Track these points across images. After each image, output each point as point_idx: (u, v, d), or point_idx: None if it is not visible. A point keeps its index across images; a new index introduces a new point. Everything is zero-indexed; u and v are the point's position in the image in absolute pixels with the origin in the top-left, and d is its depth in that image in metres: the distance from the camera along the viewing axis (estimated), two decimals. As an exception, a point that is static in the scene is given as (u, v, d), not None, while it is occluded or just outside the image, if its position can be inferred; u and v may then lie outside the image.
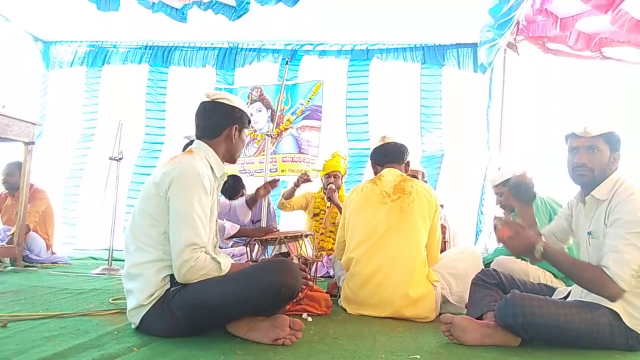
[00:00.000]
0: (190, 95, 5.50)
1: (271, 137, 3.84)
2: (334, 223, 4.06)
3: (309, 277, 2.20)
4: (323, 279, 3.61)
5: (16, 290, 2.66)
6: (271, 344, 1.69)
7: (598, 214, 1.88)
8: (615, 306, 1.77)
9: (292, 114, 5.25)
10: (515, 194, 2.12)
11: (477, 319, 1.97)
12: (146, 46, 5.99)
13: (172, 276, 1.72)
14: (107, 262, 3.75)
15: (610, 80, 4.73)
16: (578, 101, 4.90)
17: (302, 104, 5.21)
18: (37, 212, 4.13)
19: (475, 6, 4.32)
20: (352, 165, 5.35)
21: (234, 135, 1.94)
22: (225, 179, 2.04)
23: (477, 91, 5.45)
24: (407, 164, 2.77)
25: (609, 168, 1.90)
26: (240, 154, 2.04)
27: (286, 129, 5.23)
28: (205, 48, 5.95)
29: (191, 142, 2.05)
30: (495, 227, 1.91)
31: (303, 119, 5.20)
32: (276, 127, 4.81)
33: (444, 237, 3.80)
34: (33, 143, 3.79)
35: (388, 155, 2.70)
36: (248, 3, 4.17)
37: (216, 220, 1.94)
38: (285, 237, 2.60)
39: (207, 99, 1.94)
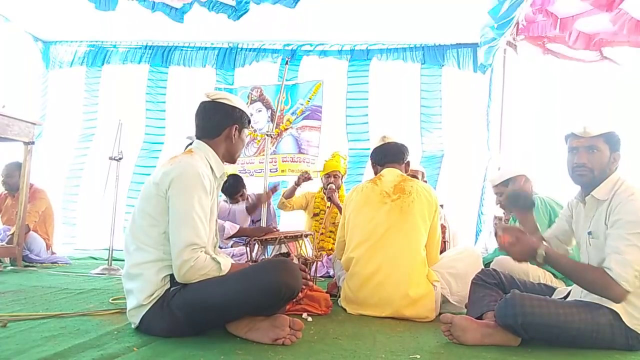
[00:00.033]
0: (190, 95, 5.50)
1: (271, 137, 3.83)
2: (334, 223, 4.06)
3: (309, 277, 2.20)
4: (323, 279, 3.61)
5: (16, 290, 2.66)
6: (271, 343, 1.69)
7: (598, 214, 1.88)
8: (616, 306, 1.77)
9: (292, 114, 5.25)
10: (514, 205, 2.12)
11: (477, 318, 1.97)
12: (146, 46, 5.99)
13: (172, 276, 1.72)
14: (107, 262, 3.75)
15: (610, 80, 4.73)
16: (578, 101, 4.89)
17: (302, 104, 5.21)
18: (37, 212, 4.13)
19: (475, 6, 4.32)
20: (352, 165, 5.35)
21: (234, 135, 1.94)
22: (225, 178, 2.04)
23: (477, 91, 5.45)
24: (408, 164, 2.78)
25: (609, 168, 1.90)
26: (240, 154, 2.04)
27: (286, 129, 5.23)
28: (205, 48, 5.94)
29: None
30: (495, 234, 1.91)
31: (303, 119, 5.20)
32: (276, 127, 4.81)
33: (444, 237, 3.80)
34: (33, 143, 3.79)
35: (388, 155, 2.70)
36: (248, 3, 4.17)
37: (216, 220, 1.94)
38: (285, 237, 2.60)
39: (207, 99, 1.94)
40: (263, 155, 4.27)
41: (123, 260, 1.86)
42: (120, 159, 3.85)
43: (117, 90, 6.03)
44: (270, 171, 5.05)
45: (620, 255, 1.72)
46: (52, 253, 4.28)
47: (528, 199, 2.08)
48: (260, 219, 3.78)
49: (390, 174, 2.61)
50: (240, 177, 4.28)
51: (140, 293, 1.71)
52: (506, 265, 2.61)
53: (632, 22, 3.69)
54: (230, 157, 1.99)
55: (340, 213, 3.31)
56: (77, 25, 5.56)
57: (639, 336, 1.78)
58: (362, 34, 5.47)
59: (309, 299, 2.33)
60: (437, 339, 1.93)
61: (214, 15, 4.25)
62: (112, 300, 2.41)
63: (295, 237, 2.63)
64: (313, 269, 2.73)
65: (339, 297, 2.61)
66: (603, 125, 1.91)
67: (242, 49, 5.90)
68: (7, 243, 3.76)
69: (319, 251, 3.63)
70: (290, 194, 4.35)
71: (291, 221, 4.90)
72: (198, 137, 1.95)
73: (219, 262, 1.72)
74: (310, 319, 2.19)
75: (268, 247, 2.68)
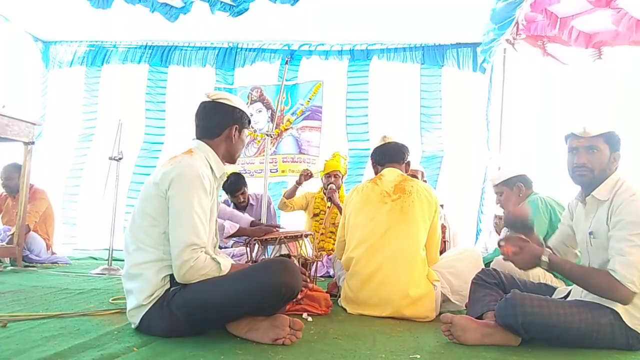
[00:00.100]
0: (190, 95, 5.50)
1: (271, 136, 3.83)
2: (334, 223, 4.05)
3: (309, 280, 2.20)
4: (323, 279, 3.60)
5: (16, 290, 2.66)
6: (271, 343, 1.69)
7: (599, 214, 1.88)
8: (616, 306, 1.77)
9: (292, 114, 5.26)
10: (514, 230, 2.12)
11: (477, 318, 1.97)
12: (146, 46, 5.99)
13: (172, 276, 1.72)
14: (107, 262, 3.75)
15: (610, 80, 4.73)
16: (578, 101, 4.89)
17: (302, 105, 5.21)
18: (38, 212, 4.13)
19: (475, 6, 4.32)
20: (352, 165, 5.35)
21: (234, 135, 1.94)
22: (225, 178, 2.04)
23: (477, 91, 5.45)
24: (408, 163, 2.78)
25: (609, 168, 1.90)
26: (240, 154, 2.04)
27: (286, 130, 5.24)
28: (205, 48, 5.94)
29: None
30: (499, 245, 1.92)
31: (303, 119, 5.21)
32: (276, 128, 4.81)
33: (443, 237, 3.80)
34: (33, 143, 3.79)
35: (388, 155, 2.71)
36: (248, 1, 4.15)
37: (216, 220, 1.94)
38: (285, 237, 2.60)
39: (207, 99, 1.94)
40: (263, 155, 4.27)
41: (123, 261, 1.86)
42: (120, 159, 3.85)
43: (116, 90, 6.03)
44: (271, 171, 5.06)
45: (624, 257, 1.72)
46: (52, 253, 4.27)
47: (526, 222, 2.08)
48: (260, 219, 3.78)
49: (391, 173, 2.61)
50: (242, 176, 4.28)
51: (140, 293, 1.71)
52: (506, 265, 2.60)
53: (632, 21, 3.70)
54: (230, 158, 1.99)
55: (341, 213, 3.31)
56: (77, 25, 5.56)
57: (639, 336, 1.78)
58: (362, 34, 5.46)
59: (309, 298, 2.33)
60: (437, 339, 1.93)
61: (214, 12, 4.22)
62: (112, 300, 2.41)
63: (296, 237, 2.63)
64: (313, 269, 2.73)
65: (339, 297, 2.61)
66: (603, 125, 1.91)
67: (242, 48, 5.90)
68: (7, 243, 3.75)
69: (319, 251, 3.62)
70: (291, 194, 4.35)
71: (291, 221, 4.90)
72: (198, 137, 1.95)
73: (218, 262, 1.71)
74: (310, 318, 2.19)
75: (268, 247, 2.68)
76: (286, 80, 4.93)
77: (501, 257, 2.79)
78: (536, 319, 1.75)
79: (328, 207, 4.08)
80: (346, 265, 2.55)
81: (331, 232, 4.08)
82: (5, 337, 1.64)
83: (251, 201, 4.28)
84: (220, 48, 5.92)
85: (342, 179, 4.23)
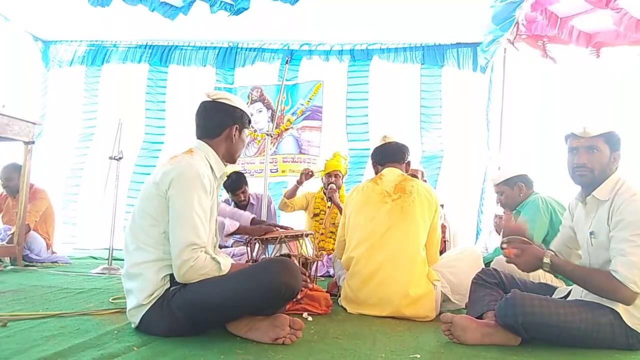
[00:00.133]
0: (190, 95, 5.50)
1: (271, 136, 3.83)
2: (334, 223, 4.05)
3: (309, 279, 2.20)
4: (323, 278, 3.60)
5: (16, 289, 2.66)
6: (271, 343, 1.69)
7: (600, 214, 1.88)
8: (616, 305, 1.77)
9: (293, 114, 5.26)
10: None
11: (477, 318, 1.97)
12: (146, 45, 5.98)
13: (172, 276, 1.72)
14: (107, 261, 3.75)
15: (610, 80, 4.74)
16: (578, 101, 4.90)
17: (302, 105, 5.21)
18: (38, 211, 4.13)
19: (475, 6, 4.32)
20: (352, 165, 5.35)
21: (234, 135, 1.94)
22: (225, 178, 2.04)
23: (477, 91, 5.45)
24: (408, 163, 2.78)
25: (609, 168, 1.90)
26: (240, 154, 2.04)
27: (286, 130, 5.24)
28: (205, 47, 5.93)
29: None
30: (501, 247, 1.93)
31: (303, 119, 5.21)
32: (276, 128, 4.80)
33: (444, 237, 3.80)
34: (33, 142, 3.79)
35: (389, 154, 2.71)
36: (247, 1, 4.14)
37: (216, 220, 1.94)
38: (286, 237, 2.60)
39: (208, 99, 1.94)
40: (263, 155, 4.27)
41: (123, 260, 1.86)
42: (120, 158, 3.85)
43: (116, 90, 6.02)
44: (271, 171, 5.06)
45: (626, 257, 1.72)
46: (53, 252, 4.27)
47: (524, 237, 2.08)
48: (261, 218, 3.78)
49: (391, 173, 2.61)
50: (243, 174, 4.28)
51: (140, 293, 1.71)
52: (506, 265, 2.61)
53: (632, 21, 3.70)
54: (230, 157, 1.99)
55: (341, 213, 3.31)
56: (77, 25, 5.55)
57: (639, 336, 1.78)
58: (362, 34, 5.46)
59: (309, 298, 2.33)
60: (437, 339, 1.93)
61: (215, 11, 4.21)
62: (112, 299, 2.41)
63: (296, 237, 2.63)
64: (313, 268, 2.73)
65: (339, 296, 2.61)
66: (603, 125, 1.91)
67: (242, 48, 5.89)
68: (7, 242, 3.75)
69: (319, 251, 3.62)
70: (292, 194, 4.35)
71: (291, 221, 4.90)
72: (198, 136, 1.95)
73: (218, 262, 1.71)
74: (310, 318, 2.19)
75: (268, 246, 2.68)
76: (286, 80, 4.92)
77: (501, 256, 2.81)
78: (536, 319, 1.75)
79: (328, 207, 4.08)
80: (346, 265, 2.55)
81: (331, 232, 4.08)
82: (5, 337, 1.64)
83: (252, 200, 4.28)
84: (221, 48, 5.91)
85: (342, 178, 4.23)
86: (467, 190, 5.37)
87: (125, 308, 1.81)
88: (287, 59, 5.07)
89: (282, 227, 2.88)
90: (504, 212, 3.56)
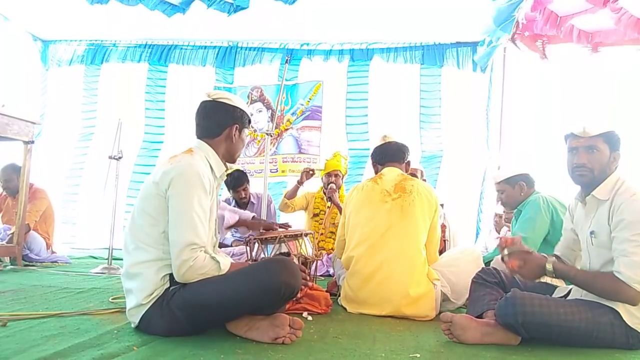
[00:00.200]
0: (189, 94, 5.49)
1: (271, 136, 3.83)
2: (334, 223, 4.05)
3: (308, 278, 2.20)
4: (323, 278, 3.61)
5: (16, 289, 2.66)
6: (271, 342, 1.69)
7: (600, 213, 1.88)
8: (616, 305, 1.77)
9: (292, 114, 5.26)
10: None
11: (477, 317, 1.97)
12: (145, 44, 5.98)
13: (171, 275, 1.72)
14: (107, 261, 3.75)
15: (610, 80, 4.74)
16: (578, 101, 4.90)
17: (302, 104, 5.21)
18: (38, 211, 4.13)
19: (475, 6, 4.32)
20: (351, 165, 5.35)
21: (234, 135, 1.94)
22: (225, 178, 2.03)
23: (477, 91, 5.45)
24: (408, 163, 2.78)
25: (609, 168, 1.90)
26: (240, 154, 2.04)
27: (286, 129, 5.24)
28: (205, 47, 5.93)
29: None
30: (503, 260, 1.93)
31: (303, 119, 5.21)
32: (276, 128, 4.80)
33: (443, 236, 3.80)
34: (32, 142, 3.78)
35: (389, 154, 2.71)
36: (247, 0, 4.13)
37: (215, 220, 1.94)
38: (285, 236, 2.60)
39: (208, 99, 1.94)
40: (263, 155, 4.27)
41: (123, 260, 1.85)
42: (119, 158, 3.85)
43: (116, 89, 6.02)
44: (271, 171, 5.06)
45: (628, 258, 1.72)
46: (52, 252, 4.27)
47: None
48: (261, 217, 3.78)
49: (391, 173, 2.61)
50: (245, 172, 4.28)
51: (139, 292, 1.71)
52: (506, 264, 2.61)
53: (632, 20, 3.70)
54: (230, 157, 1.99)
55: (341, 213, 3.30)
56: (76, 24, 5.55)
57: (639, 335, 1.79)
58: (362, 33, 5.46)
59: (309, 297, 2.33)
60: (437, 338, 1.93)
61: (213, 12, 4.19)
62: (112, 299, 2.41)
63: (296, 236, 2.63)
64: (313, 267, 2.73)
65: (339, 296, 2.61)
66: (603, 125, 1.91)
67: (242, 48, 5.89)
68: (7, 242, 3.75)
69: (319, 251, 3.62)
70: (292, 194, 4.34)
71: (291, 221, 4.90)
72: (198, 136, 1.95)
73: (218, 262, 1.71)
74: (310, 317, 2.19)
75: (268, 245, 2.68)
76: (286, 80, 4.92)
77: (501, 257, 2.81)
78: (536, 318, 1.75)
79: (328, 207, 4.08)
80: (346, 264, 2.55)
81: (331, 232, 4.08)
82: (5, 337, 1.64)
83: (252, 200, 4.29)
84: (220, 47, 5.91)
85: (342, 178, 4.23)
86: (466, 189, 5.37)
87: (125, 308, 1.81)
88: (286, 58, 5.06)
89: (281, 226, 2.89)
90: (504, 211, 3.56)
